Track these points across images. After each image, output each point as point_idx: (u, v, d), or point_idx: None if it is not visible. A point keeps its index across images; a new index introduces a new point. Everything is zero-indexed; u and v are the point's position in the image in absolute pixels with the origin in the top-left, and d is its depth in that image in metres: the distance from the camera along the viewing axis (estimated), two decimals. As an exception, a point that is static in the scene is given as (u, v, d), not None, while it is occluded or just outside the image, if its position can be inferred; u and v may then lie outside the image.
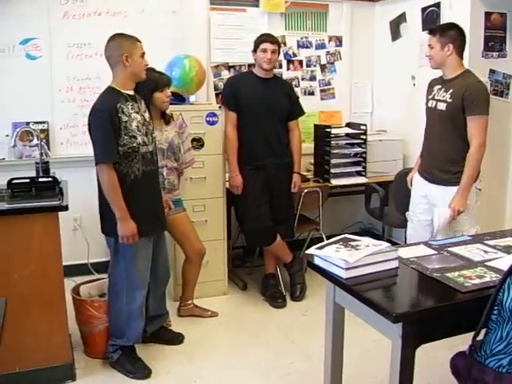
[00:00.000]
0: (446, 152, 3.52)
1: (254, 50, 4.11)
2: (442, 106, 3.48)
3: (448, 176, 3.52)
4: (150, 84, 3.49)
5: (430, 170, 3.63)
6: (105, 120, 3.04)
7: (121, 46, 3.11)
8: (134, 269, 3.23)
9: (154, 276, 3.47)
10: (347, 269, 2.28)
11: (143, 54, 3.16)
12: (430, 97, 3.61)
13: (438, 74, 3.65)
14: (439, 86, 3.56)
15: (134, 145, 3.12)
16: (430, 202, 3.65)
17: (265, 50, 4.04)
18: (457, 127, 3.44)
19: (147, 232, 3.24)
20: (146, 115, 3.29)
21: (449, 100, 3.44)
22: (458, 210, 3.42)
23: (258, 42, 4.09)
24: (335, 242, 2.49)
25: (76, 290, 3.54)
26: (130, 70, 3.12)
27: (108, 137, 3.04)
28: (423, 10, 4.80)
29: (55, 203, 3.10)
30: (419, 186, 3.73)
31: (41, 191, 3.27)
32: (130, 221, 3.11)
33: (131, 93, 3.22)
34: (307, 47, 5.35)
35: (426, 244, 2.78)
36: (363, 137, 4.91)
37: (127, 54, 3.09)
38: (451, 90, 3.43)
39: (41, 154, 3.76)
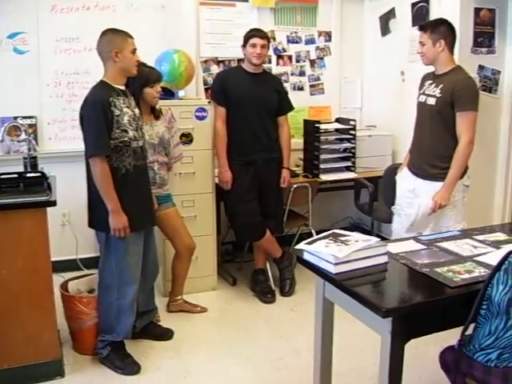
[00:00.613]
0: (435, 147, 3.53)
1: (244, 45, 4.10)
2: (431, 101, 3.49)
3: (436, 171, 3.53)
4: (141, 79, 3.48)
5: (418, 165, 3.64)
6: (98, 112, 3.03)
7: (111, 42, 3.11)
8: (125, 264, 3.22)
9: (143, 271, 3.45)
10: (336, 264, 2.29)
11: (134, 49, 3.15)
12: (421, 91, 3.62)
13: (429, 69, 3.66)
14: (430, 81, 3.57)
15: (126, 139, 3.11)
16: (416, 196, 3.65)
17: (254, 45, 4.03)
18: (445, 123, 3.45)
19: (138, 226, 3.23)
20: (136, 111, 3.29)
21: (438, 95, 3.45)
22: (440, 203, 3.43)
23: (248, 36, 4.07)
24: (324, 238, 2.49)
25: (64, 286, 3.52)
26: (119, 65, 3.12)
27: (101, 129, 3.03)
28: (413, 5, 4.80)
29: (43, 199, 3.08)
30: (407, 180, 3.73)
31: (29, 186, 3.25)
32: (122, 213, 3.11)
33: (122, 88, 3.21)
34: (297, 42, 5.34)
35: (416, 239, 2.79)
36: (352, 132, 4.92)
37: (117, 49, 3.08)
38: (441, 86, 3.45)
39: (29, 149, 3.75)
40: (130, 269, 3.25)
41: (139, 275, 3.34)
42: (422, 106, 3.59)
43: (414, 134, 3.73)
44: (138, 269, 3.32)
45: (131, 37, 3.17)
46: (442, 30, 3.45)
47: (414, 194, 3.66)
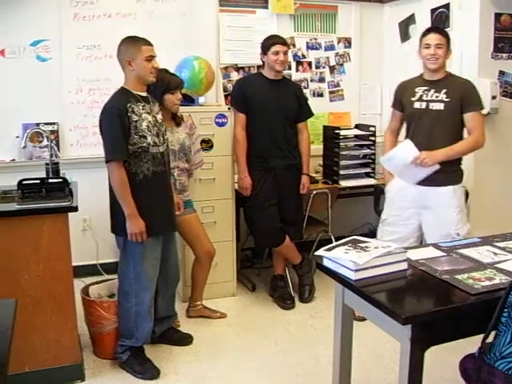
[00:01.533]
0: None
1: (264, 53, 4.09)
2: (438, 106, 3.52)
3: (441, 176, 3.53)
4: (162, 85, 3.51)
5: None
6: (114, 118, 3.07)
7: (125, 51, 3.16)
8: (141, 269, 3.24)
9: (163, 277, 3.48)
10: (356, 270, 2.28)
11: (150, 56, 3.16)
12: (415, 98, 3.60)
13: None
14: (425, 88, 3.59)
15: (144, 144, 3.14)
16: (418, 206, 3.64)
17: (277, 53, 4.03)
18: (454, 125, 3.52)
19: (156, 232, 3.25)
20: (159, 117, 3.31)
21: (446, 99, 3.50)
22: (424, 159, 3.40)
23: (269, 44, 4.06)
24: (344, 244, 2.49)
25: (85, 291, 3.55)
26: (134, 73, 3.16)
27: (117, 135, 3.07)
28: (432, 11, 4.79)
29: (65, 204, 3.11)
30: (405, 191, 3.67)
31: (51, 192, 3.30)
32: (139, 218, 3.13)
33: (143, 94, 3.24)
34: (316, 49, 5.36)
35: (435, 246, 2.78)
36: (372, 138, 4.91)
37: (129, 58, 3.13)
38: (445, 90, 3.51)
39: (51, 155, 3.78)
40: (146, 274, 3.26)
41: (155, 281, 3.35)
42: (423, 113, 3.57)
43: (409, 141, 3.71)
44: (155, 275, 3.34)
45: (149, 44, 3.19)
46: (450, 40, 3.57)
47: (414, 204, 3.64)
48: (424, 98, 3.58)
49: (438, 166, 3.45)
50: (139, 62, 3.13)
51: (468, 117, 3.50)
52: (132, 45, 3.16)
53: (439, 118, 3.51)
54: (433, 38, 3.52)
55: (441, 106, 3.51)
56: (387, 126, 3.98)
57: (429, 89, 3.58)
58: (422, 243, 3.68)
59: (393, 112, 3.86)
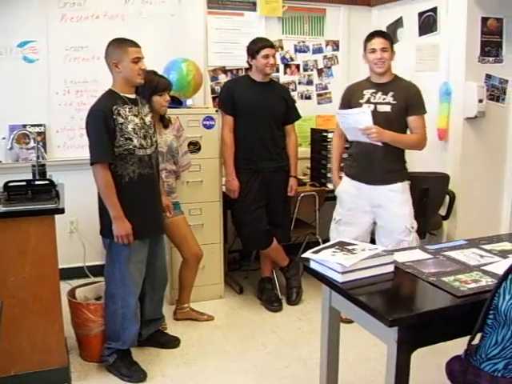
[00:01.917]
0: (389, 152, 3.64)
1: (253, 56, 4.08)
2: (385, 108, 3.62)
3: (391, 174, 3.69)
4: (149, 87, 3.51)
5: (371, 172, 3.72)
6: (99, 121, 3.07)
7: (112, 53, 3.16)
8: (126, 271, 3.23)
9: (151, 280, 3.47)
10: (343, 273, 2.29)
11: (137, 58, 3.14)
12: (363, 101, 3.68)
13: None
14: (372, 90, 3.69)
15: (130, 147, 3.13)
16: (371, 204, 3.76)
17: (267, 56, 4.03)
18: (400, 127, 3.63)
19: (142, 234, 3.24)
20: (147, 119, 3.30)
21: (393, 102, 3.61)
22: (373, 133, 3.44)
23: (258, 48, 4.04)
24: (331, 246, 2.49)
25: (72, 293, 3.53)
26: (121, 75, 3.15)
27: (102, 137, 3.06)
28: (420, 14, 4.82)
29: (51, 206, 3.10)
30: (357, 191, 3.79)
31: (37, 194, 3.28)
32: (125, 220, 3.13)
33: (131, 96, 3.23)
34: (304, 51, 5.37)
35: (422, 248, 2.79)
36: (360, 141, 4.92)
37: (116, 60, 3.12)
38: (392, 93, 3.62)
39: (37, 157, 3.76)
40: (131, 277, 3.25)
41: (141, 284, 3.34)
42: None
43: (354, 143, 3.79)
44: (141, 277, 3.33)
45: (135, 45, 3.18)
46: (393, 42, 3.69)
47: (367, 202, 3.76)
48: (372, 100, 3.67)
49: (380, 144, 3.52)
50: (126, 64, 3.12)
51: (412, 119, 3.64)
52: (118, 47, 3.15)
53: (386, 120, 3.58)
54: (378, 43, 3.62)
55: (388, 108, 3.62)
56: (335, 131, 4.05)
57: (376, 91, 3.67)
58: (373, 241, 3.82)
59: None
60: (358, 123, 3.47)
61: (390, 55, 3.63)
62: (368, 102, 3.66)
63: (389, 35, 3.73)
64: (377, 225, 3.82)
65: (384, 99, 3.63)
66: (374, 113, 3.54)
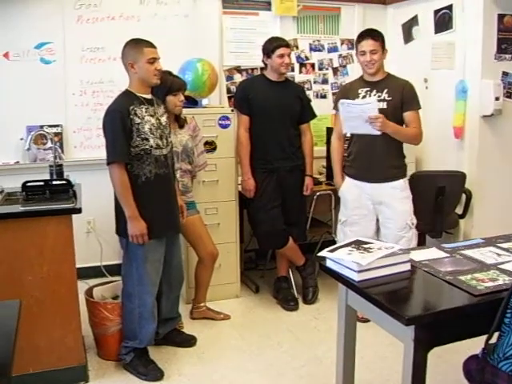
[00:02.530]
0: (389, 148, 3.70)
1: (268, 55, 4.09)
2: (381, 105, 3.63)
3: (392, 171, 3.74)
4: (164, 87, 3.52)
5: (371, 170, 3.74)
6: (116, 121, 3.09)
7: (128, 54, 3.18)
8: (143, 271, 3.25)
9: (167, 279, 3.48)
10: (360, 271, 2.29)
11: (153, 59, 3.16)
12: (359, 99, 3.70)
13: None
14: (367, 88, 3.73)
15: (147, 147, 3.15)
16: (373, 202, 3.79)
17: (282, 56, 4.04)
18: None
19: (157, 234, 3.25)
20: (163, 119, 3.31)
21: (388, 98, 3.65)
22: (380, 121, 3.45)
23: (273, 47, 4.05)
24: (347, 245, 2.49)
25: (89, 292, 3.56)
26: (137, 75, 3.18)
27: (118, 137, 3.09)
28: (436, 12, 4.79)
29: (69, 206, 3.13)
30: (359, 190, 3.82)
31: (55, 194, 3.32)
32: (140, 220, 3.14)
33: (148, 96, 3.25)
34: (319, 50, 5.36)
35: (439, 247, 2.77)
36: (375, 140, 4.90)
37: (132, 61, 3.15)
38: (386, 90, 3.67)
39: (54, 157, 3.79)
40: (148, 276, 3.27)
41: (158, 283, 3.36)
42: None
43: (353, 142, 3.83)
44: (158, 277, 3.35)
45: (151, 46, 3.20)
46: (383, 40, 3.72)
47: (370, 201, 3.79)
48: (367, 97, 3.68)
49: (379, 133, 3.53)
50: (142, 65, 3.14)
51: (408, 115, 3.68)
52: (134, 47, 3.17)
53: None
54: (367, 45, 3.65)
55: (384, 105, 3.64)
56: (333, 132, 4.05)
57: (371, 89, 3.71)
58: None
59: (336, 116, 3.93)
60: (365, 111, 3.48)
61: (379, 56, 3.66)
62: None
63: (379, 34, 3.72)
64: (380, 222, 3.85)
65: (379, 96, 3.66)
66: None
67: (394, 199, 3.73)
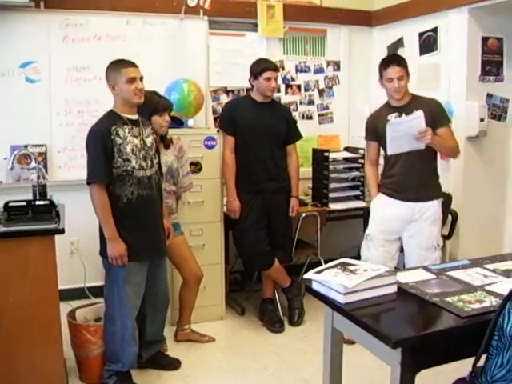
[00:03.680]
0: (423, 169, 3.71)
1: (255, 77, 4.09)
2: None
3: (428, 191, 3.74)
4: (149, 107, 3.51)
5: (408, 190, 3.71)
6: (96, 141, 3.08)
7: (108, 75, 3.20)
8: (124, 293, 3.21)
9: (152, 301, 3.45)
10: (346, 294, 2.26)
11: (132, 78, 3.14)
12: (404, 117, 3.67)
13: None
14: (395, 114, 3.70)
15: (129, 168, 3.13)
16: (405, 221, 3.75)
17: (269, 79, 4.04)
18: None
19: (139, 256, 3.21)
20: (149, 140, 3.28)
21: None
22: (428, 135, 3.44)
23: (261, 69, 4.05)
24: (333, 267, 2.47)
25: (72, 314, 3.51)
26: (119, 96, 3.18)
27: (98, 157, 3.08)
28: (420, 34, 4.84)
29: (51, 226, 3.09)
30: (391, 209, 3.79)
31: (37, 214, 3.27)
32: (120, 241, 3.12)
33: (133, 117, 3.23)
34: (305, 71, 5.38)
35: (425, 268, 2.76)
36: (361, 161, 4.91)
37: (112, 82, 3.17)
38: (415, 111, 3.57)
39: (38, 177, 3.75)
40: (128, 299, 3.22)
41: (138, 306, 3.31)
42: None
43: (390, 163, 3.79)
44: (139, 299, 3.30)
45: (131, 65, 3.18)
46: (407, 65, 3.71)
47: (401, 220, 3.75)
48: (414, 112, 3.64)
49: (423, 147, 3.52)
50: (121, 85, 3.14)
51: (442, 131, 3.65)
52: (113, 69, 3.18)
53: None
54: (394, 72, 3.64)
55: None
56: (366, 159, 4.06)
57: (400, 114, 3.67)
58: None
59: (368, 144, 3.97)
60: (413, 128, 3.47)
61: (406, 82, 3.67)
62: None
63: (403, 60, 3.73)
64: (403, 239, 3.82)
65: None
66: None
67: (427, 219, 3.71)
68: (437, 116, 3.65)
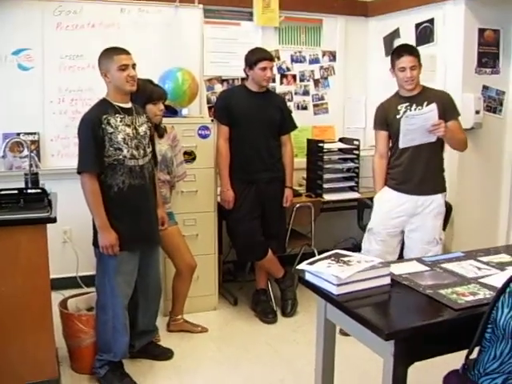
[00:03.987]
0: (430, 161, 3.70)
1: (250, 67, 4.06)
2: None
3: (433, 184, 3.74)
4: (143, 96, 3.48)
5: (413, 182, 3.71)
6: (87, 130, 3.07)
7: (101, 63, 3.17)
8: (115, 282, 3.19)
9: (144, 291, 3.43)
10: (339, 285, 2.25)
11: (124, 66, 3.10)
12: (400, 115, 3.65)
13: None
14: (406, 104, 3.70)
15: (120, 157, 3.11)
16: (408, 214, 3.75)
17: (264, 69, 4.01)
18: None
19: (130, 246, 3.20)
20: (142, 129, 3.25)
21: None
22: (442, 127, 3.44)
23: (256, 59, 4.02)
24: (327, 258, 2.46)
25: (64, 304, 3.49)
26: (111, 84, 3.15)
27: (89, 146, 3.06)
28: (417, 25, 4.81)
29: (43, 215, 3.05)
30: (395, 201, 3.78)
31: (29, 203, 3.24)
32: (111, 231, 3.10)
33: (125, 105, 3.20)
34: (301, 62, 5.35)
35: (419, 260, 2.75)
36: (356, 152, 4.90)
37: (104, 70, 3.14)
38: (426, 102, 3.60)
39: (30, 166, 3.72)
40: (119, 288, 3.21)
41: (129, 295, 3.30)
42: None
43: (397, 155, 3.77)
44: (130, 289, 3.29)
45: (123, 52, 3.15)
46: (420, 55, 3.69)
47: (404, 213, 3.75)
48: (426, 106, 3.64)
49: (434, 139, 3.53)
50: (113, 73, 3.11)
51: (452, 124, 3.62)
52: (105, 56, 3.15)
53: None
54: (407, 61, 3.62)
55: None
56: (375, 151, 3.99)
57: (410, 104, 3.67)
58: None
59: (378, 134, 3.91)
60: (427, 121, 3.46)
61: (418, 72, 3.65)
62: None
63: (416, 50, 3.71)
64: (405, 233, 3.82)
65: (420, 109, 3.62)
66: None
67: (430, 213, 3.71)
68: (448, 108, 3.64)
